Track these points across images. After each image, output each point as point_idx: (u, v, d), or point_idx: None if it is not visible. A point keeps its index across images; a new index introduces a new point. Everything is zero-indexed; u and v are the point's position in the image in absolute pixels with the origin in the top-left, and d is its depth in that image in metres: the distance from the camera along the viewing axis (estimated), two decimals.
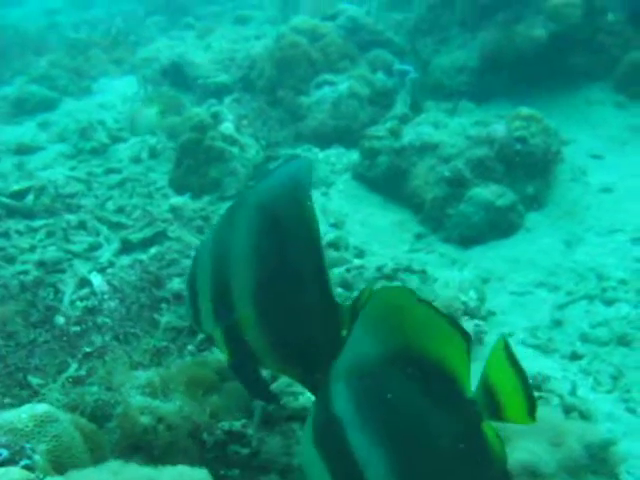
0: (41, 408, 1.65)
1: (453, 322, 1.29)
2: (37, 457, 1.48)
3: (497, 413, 1.29)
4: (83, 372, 2.05)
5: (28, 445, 1.50)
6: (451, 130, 3.55)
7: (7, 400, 1.96)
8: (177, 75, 4.58)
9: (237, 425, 2.16)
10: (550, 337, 2.77)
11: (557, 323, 2.84)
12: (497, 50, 4.11)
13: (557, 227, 3.34)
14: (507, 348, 1.33)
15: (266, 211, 1.64)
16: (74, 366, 2.03)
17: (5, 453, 1.43)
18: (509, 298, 2.99)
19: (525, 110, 3.42)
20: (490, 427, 1.30)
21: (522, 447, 2.16)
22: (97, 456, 1.85)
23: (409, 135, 3.51)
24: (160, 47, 5.06)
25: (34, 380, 1.97)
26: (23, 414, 1.61)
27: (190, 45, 4.86)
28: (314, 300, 1.65)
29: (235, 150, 3.52)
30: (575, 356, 2.66)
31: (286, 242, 1.64)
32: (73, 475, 1.39)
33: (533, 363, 2.66)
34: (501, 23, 4.09)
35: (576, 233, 3.30)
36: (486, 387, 1.29)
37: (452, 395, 1.29)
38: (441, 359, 1.30)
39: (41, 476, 1.42)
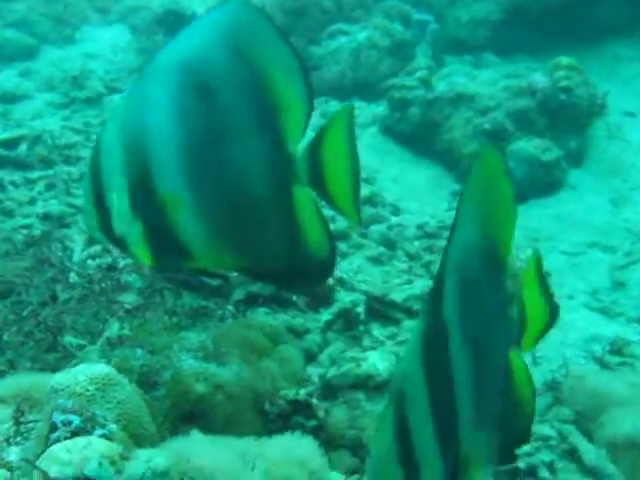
0: (100, 369, 1.34)
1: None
2: (113, 426, 1.17)
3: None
4: (126, 331, 1.74)
5: (99, 412, 1.19)
6: (483, 81, 3.30)
7: (38, 366, 1.63)
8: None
9: (302, 394, 1.88)
10: (614, 300, 2.56)
11: (619, 285, 2.63)
12: (522, 2, 3.86)
13: (601, 185, 3.13)
14: (538, 267, 1.28)
15: (187, 65, 1.40)
16: (116, 325, 1.71)
17: (77, 420, 1.12)
18: (562, 258, 2.77)
19: (565, 59, 3.20)
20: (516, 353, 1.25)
21: (622, 416, 1.95)
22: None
23: (441, 86, 3.24)
24: None
25: (71, 340, 1.65)
26: (80, 376, 1.30)
27: None
28: (259, 164, 1.41)
29: None
30: None
31: (217, 94, 1.40)
32: (169, 446, 1.09)
33: (601, 327, 2.44)
34: None
35: (621, 191, 3.09)
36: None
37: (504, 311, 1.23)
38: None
39: (121, 449, 1.12)
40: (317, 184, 1.42)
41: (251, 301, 2.28)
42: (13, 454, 1.05)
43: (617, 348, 2.21)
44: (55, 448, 1.05)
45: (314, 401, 1.87)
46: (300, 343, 2.14)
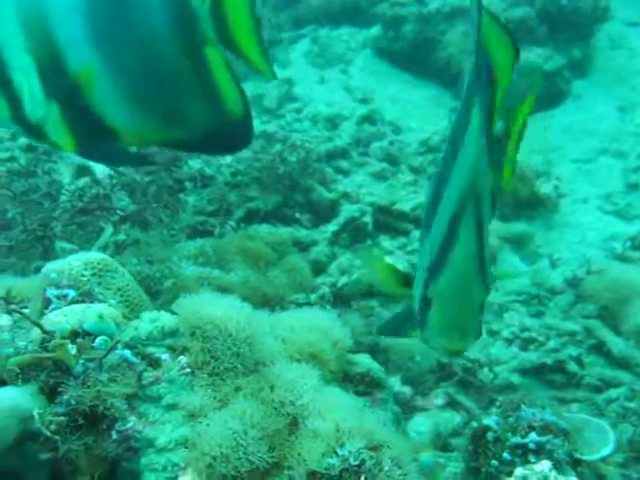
0: (95, 255, 1.23)
1: None
2: (112, 302, 1.06)
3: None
4: (122, 237, 1.62)
5: (97, 289, 1.08)
6: None
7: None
8: None
9: (314, 298, 1.78)
10: (628, 202, 2.46)
11: (633, 187, 2.52)
12: None
13: (608, 94, 3.01)
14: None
15: None
16: (110, 230, 1.59)
17: (73, 293, 1.01)
18: (573, 167, 2.66)
19: None
20: None
21: None
22: None
23: (435, 2, 3.10)
24: None
25: (64, 246, 1.53)
26: (74, 262, 1.18)
27: None
28: (168, 25, 1.33)
29: None
30: None
31: None
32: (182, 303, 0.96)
33: (618, 228, 2.34)
34: None
35: (630, 99, 2.97)
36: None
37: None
38: None
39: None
40: (225, 41, 1.35)
41: (252, 218, 2.17)
42: (4, 319, 0.94)
43: (638, 243, 2.11)
44: (51, 315, 0.94)
45: (327, 306, 1.77)
46: (307, 256, 2.04)
